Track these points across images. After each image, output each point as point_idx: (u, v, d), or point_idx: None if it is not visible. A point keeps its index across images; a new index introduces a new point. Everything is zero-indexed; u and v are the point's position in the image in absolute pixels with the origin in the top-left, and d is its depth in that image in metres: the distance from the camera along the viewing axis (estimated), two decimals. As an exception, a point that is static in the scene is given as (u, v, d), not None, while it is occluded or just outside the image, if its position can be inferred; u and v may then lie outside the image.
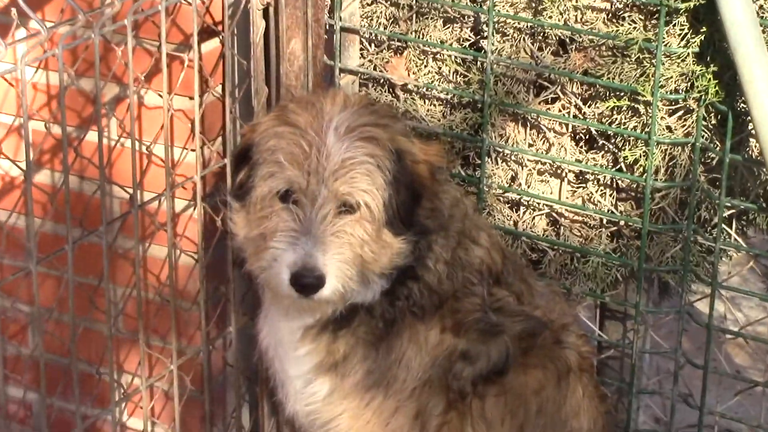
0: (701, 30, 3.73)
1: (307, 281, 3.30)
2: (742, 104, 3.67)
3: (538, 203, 4.06)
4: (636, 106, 3.86)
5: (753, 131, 3.63)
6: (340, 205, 3.34)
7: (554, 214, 4.07)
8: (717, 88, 3.74)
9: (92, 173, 3.74)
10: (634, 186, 3.95)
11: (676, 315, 3.97)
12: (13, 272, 3.60)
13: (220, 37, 3.72)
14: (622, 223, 3.98)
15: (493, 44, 3.92)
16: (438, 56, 4.07)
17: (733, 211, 3.88)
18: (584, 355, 3.77)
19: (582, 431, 3.73)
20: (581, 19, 3.88)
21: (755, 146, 3.79)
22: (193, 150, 3.75)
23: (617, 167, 3.95)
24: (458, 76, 4.08)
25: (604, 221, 4.00)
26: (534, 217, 4.09)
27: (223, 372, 4.06)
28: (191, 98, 3.69)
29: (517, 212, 4.11)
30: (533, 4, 3.89)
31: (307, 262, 3.30)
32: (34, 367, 3.83)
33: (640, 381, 4.07)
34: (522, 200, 4.08)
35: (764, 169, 3.70)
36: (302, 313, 3.53)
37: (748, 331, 4.06)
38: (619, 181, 3.97)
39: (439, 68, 4.08)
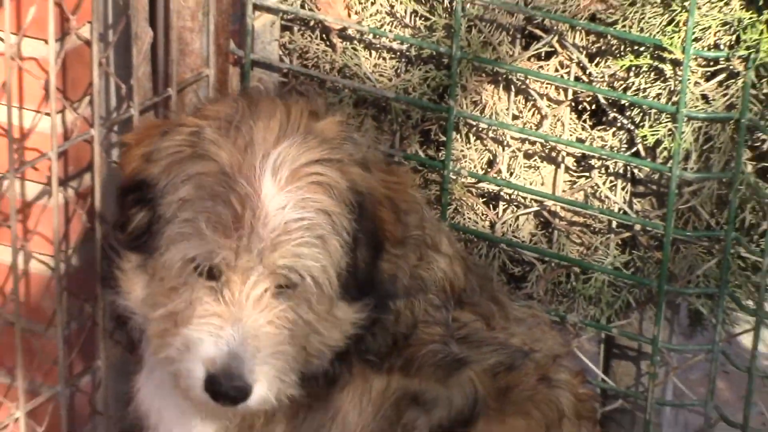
0: (753, -38, 3.65)
1: (226, 391, 2.84)
2: None
3: (524, 198, 3.64)
4: (661, 66, 3.39)
5: None
6: (279, 284, 2.86)
7: (546, 214, 3.63)
8: (774, 42, 3.60)
9: None
10: (656, 177, 3.56)
11: (708, 354, 3.54)
12: None
13: (87, -44, 3.71)
14: (638, 227, 3.54)
15: (467, -27, 3.83)
16: (390, -10, 3.99)
17: None
18: (582, 398, 3.31)
19: None
20: (588, -60, 3.84)
21: None
22: (48, 114, 3.26)
23: (633, 151, 3.52)
24: (417, 19, 3.63)
25: (614, 224, 3.59)
26: (518, 217, 3.67)
27: (89, 421, 3.62)
28: (46, 42, 3.26)
29: (495, 209, 3.66)
30: None
31: (231, 367, 2.83)
32: None
33: None
34: (502, 193, 3.65)
35: None
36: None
37: None
38: (636, 170, 3.57)
39: (392, 7, 3.64)
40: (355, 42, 3.73)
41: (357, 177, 3.00)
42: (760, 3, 3.34)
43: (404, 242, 3.14)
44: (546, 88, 3.59)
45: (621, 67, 3.45)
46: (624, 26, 3.43)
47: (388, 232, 3.07)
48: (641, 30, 3.41)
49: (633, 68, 3.46)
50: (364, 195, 3.01)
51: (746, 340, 3.71)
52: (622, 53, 3.46)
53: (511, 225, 3.70)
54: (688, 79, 3.41)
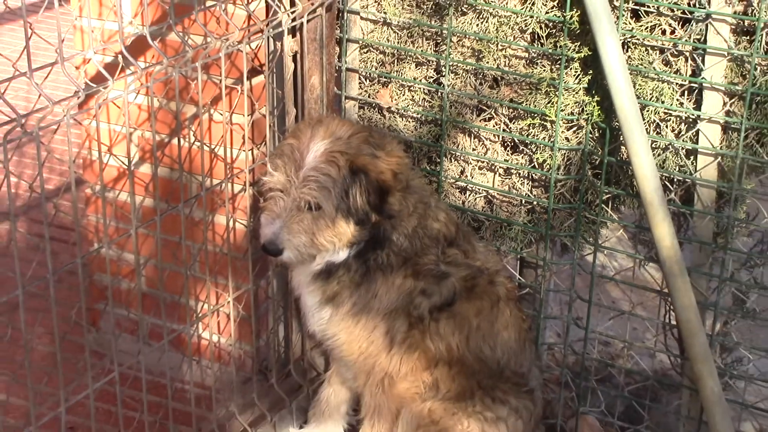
0: (589, 72, 3.65)
1: (269, 249, 3.35)
2: (615, 123, 3.56)
3: (479, 189, 3.97)
4: (545, 123, 3.77)
5: (623, 141, 3.54)
6: (304, 205, 3.32)
7: (489, 197, 3.97)
8: (599, 111, 3.68)
9: (177, 165, 3.69)
10: (543, 178, 3.84)
11: (571, 265, 3.86)
12: (122, 234, 3.64)
13: (264, 74, 3.68)
14: (535, 203, 3.88)
15: (448, 80, 3.86)
16: (411, 88, 3.97)
17: (610, 195, 3.78)
18: (510, 290, 3.70)
19: (511, 339, 3.65)
20: (508, 64, 3.77)
21: (624, 152, 3.65)
22: (245, 151, 3.74)
23: (532, 165, 3.84)
24: (425, 102, 3.98)
25: (523, 202, 3.90)
26: (476, 199, 3.99)
27: (265, 301, 4.01)
28: (244, 116, 3.69)
29: (464, 195, 4.01)
30: (476, 53, 3.78)
31: (273, 239, 3.33)
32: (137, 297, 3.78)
33: (546, 309, 3.98)
34: (468, 187, 3.99)
35: (630, 168, 3.53)
36: (303, 267, 3.51)
37: (620, 276, 3.98)
38: (533, 175, 3.87)
39: (413, 96, 4.00)
40: (395, 114, 4.01)
41: (362, 161, 3.31)
42: (593, 92, 3.58)
43: (406, 199, 3.41)
44: (488, 135, 3.87)
45: (525, 124, 3.77)
46: (527, 104, 3.73)
47: (389, 186, 3.36)
48: (535, 105, 3.71)
49: (531, 125, 3.76)
50: (368, 167, 3.30)
51: (589, 257, 3.89)
52: (526, 117, 3.76)
53: (472, 203, 3.96)
54: (559, 130, 3.69)
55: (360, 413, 3.74)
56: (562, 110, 3.66)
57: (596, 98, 3.64)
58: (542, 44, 3.63)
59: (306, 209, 3.30)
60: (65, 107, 2.70)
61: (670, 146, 3.57)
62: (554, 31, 3.61)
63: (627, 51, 3.53)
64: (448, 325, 3.54)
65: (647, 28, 3.51)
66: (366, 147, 3.35)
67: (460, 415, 3.59)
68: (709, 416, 3.60)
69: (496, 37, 3.66)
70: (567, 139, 3.73)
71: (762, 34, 3.32)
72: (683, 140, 3.56)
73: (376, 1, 3.83)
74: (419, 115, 3.93)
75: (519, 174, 3.86)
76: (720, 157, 3.51)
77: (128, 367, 3.34)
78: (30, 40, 2.47)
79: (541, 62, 3.68)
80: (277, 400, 4.02)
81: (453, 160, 3.96)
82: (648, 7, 3.48)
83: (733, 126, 3.46)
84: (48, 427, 3.06)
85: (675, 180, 3.61)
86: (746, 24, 3.38)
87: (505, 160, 3.85)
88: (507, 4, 3.64)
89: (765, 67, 3.39)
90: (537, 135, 3.76)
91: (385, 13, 3.83)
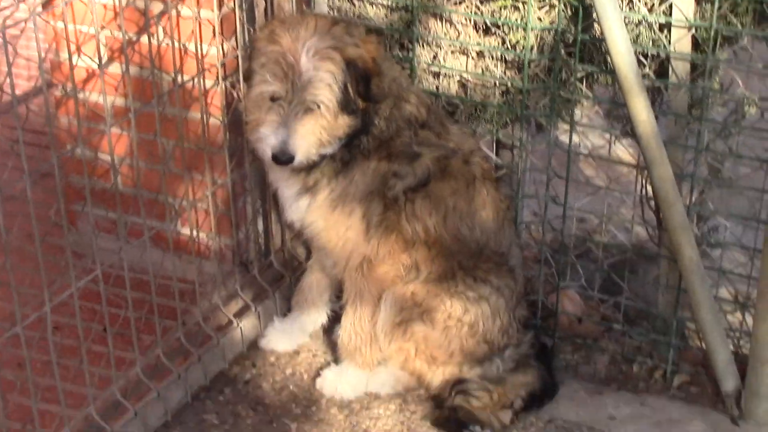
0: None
1: (282, 158, 3.36)
2: (588, 0, 3.55)
3: (453, 73, 3.93)
4: (516, 5, 3.75)
5: (596, 19, 3.53)
6: (306, 108, 3.34)
7: (463, 80, 3.95)
8: (572, -10, 3.57)
9: (147, 64, 3.68)
10: (517, 59, 3.82)
11: (547, 144, 3.87)
12: (96, 133, 3.65)
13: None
14: (509, 84, 3.86)
15: (419, -35, 3.75)
16: (380, -25, 3.81)
17: (584, 73, 3.76)
18: (486, 170, 3.73)
19: (489, 218, 3.69)
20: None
21: (598, 29, 3.61)
22: (215, 46, 3.75)
23: (505, 46, 3.82)
24: None
25: (497, 83, 3.88)
26: (450, 83, 3.97)
27: (243, 194, 4.05)
28: (213, 10, 3.69)
29: (438, 80, 3.98)
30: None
31: (283, 146, 3.34)
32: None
33: (523, 189, 4.01)
34: (441, 71, 3.95)
35: (604, 45, 3.50)
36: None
37: (594, 152, 3.98)
38: (507, 56, 3.84)
39: None
40: (365, 1, 3.92)
41: (350, 52, 3.36)
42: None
43: (383, 92, 3.45)
44: (460, 18, 3.81)
45: (497, 6, 3.73)
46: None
47: (371, 71, 3.41)
48: (508, -11, 3.55)
49: (504, 6, 3.72)
50: (355, 59, 3.36)
51: (564, 136, 3.84)
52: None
53: (446, 87, 3.93)
54: (532, 10, 3.66)
55: (342, 299, 3.79)
56: (534, -8, 3.56)
57: (571, -19, 3.52)
58: None
59: (307, 112, 3.33)
60: (30, 5, 2.67)
61: (643, 20, 3.56)
62: None
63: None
64: (424, 205, 3.57)
65: None
66: (348, 38, 3.38)
67: (442, 295, 3.64)
68: (687, 284, 3.66)
69: None
70: (540, 18, 3.71)
71: None
72: (656, 14, 3.55)
73: None
74: (389, 2, 3.89)
75: (492, 56, 3.84)
76: (694, 29, 3.51)
77: (110, 265, 3.40)
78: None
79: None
80: (260, 290, 4.07)
81: (425, 46, 3.93)
82: None
83: (706, -3, 3.42)
84: (33, 328, 3.09)
85: (649, 54, 3.60)
86: None
87: (477, 43, 3.83)
88: None
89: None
90: (509, 16, 3.74)
91: None
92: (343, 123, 3.41)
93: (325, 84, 3.31)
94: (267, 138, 3.35)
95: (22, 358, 3.05)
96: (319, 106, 3.32)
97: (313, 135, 3.36)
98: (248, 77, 3.45)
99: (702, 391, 3.88)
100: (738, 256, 3.86)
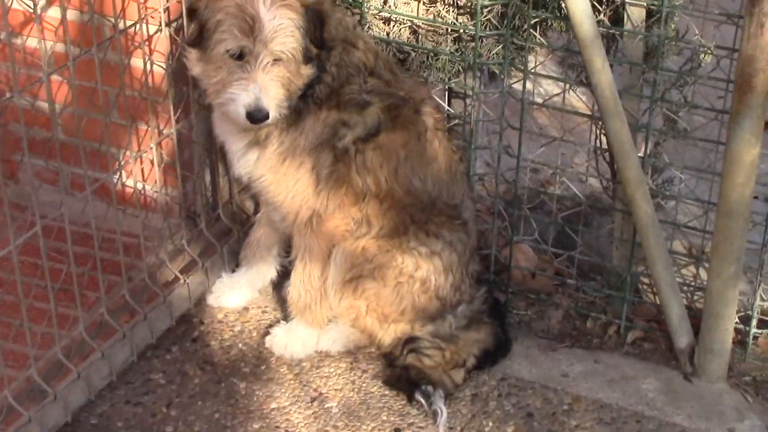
0: None
1: (258, 116, 3.32)
2: None
3: (404, 19, 3.89)
4: None
5: None
6: (273, 60, 3.31)
7: (414, 27, 3.91)
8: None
9: (87, 8, 3.61)
10: (470, 4, 3.79)
11: (500, 94, 3.84)
12: (34, 81, 3.48)
13: None
14: (461, 31, 3.81)
15: None
16: None
17: (538, 19, 3.71)
18: (438, 120, 3.70)
19: (441, 170, 3.66)
20: None
21: None
22: None
23: None
24: None
25: (449, 30, 3.85)
26: (400, 29, 3.92)
27: (189, 146, 3.99)
28: None
29: (388, 26, 3.93)
30: None
31: (258, 103, 3.31)
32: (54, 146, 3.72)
33: (476, 140, 3.96)
34: (392, 17, 3.90)
35: None
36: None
37: (548, 102, 3.92)
38: (459, 2, 3.76)
39: None
40: None
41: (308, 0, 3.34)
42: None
43: (333, 37, 3.44)
44: None
45: None
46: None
47: (326, 15, 3.41)
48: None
49: None
50: (312, 4, 3.35)
51: (517, 85, 3.81)
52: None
53: (397, 34, 3.90)
54: None
55: (292, 255, 3.76)
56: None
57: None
58: None
59: (275, 63, 3.31)
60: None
61: (598, -35, 3.49)
62: None
63: None
64: (375, 157, 3.54)
65: None
66: None
67: (394, 251, 3.62)
68: (642, 238, 3.65)
69: None
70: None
71: None
72: (611, -41, 3.49)
73: None
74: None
75: (444, 2, 3.80)
76: (649, -25, 3.47)
77: (52, 219, 3.31)
78: None
79: None
80: (208, 245, 4.04)
81: (376, -10, 3.82)
82: None
83: (661, -60, 3.38)
84: (-28, 285, 2.97)
85: (603, 0, 3.56)
86: None
87: (430, -9, 3.73)
88: None
89: None
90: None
91: None
92: (305, 72, 3.39)
93: (289, 32, 3.29)
94: (239, 98, 3.32)
95: (-41, 315, 2.92)
96: (284, 57, 3.30)
97: (282, 88, 3.34)
98: (200, 40, 3.38)
99: (655, 348, 3.88)
100: (692, 209, 3.87)
